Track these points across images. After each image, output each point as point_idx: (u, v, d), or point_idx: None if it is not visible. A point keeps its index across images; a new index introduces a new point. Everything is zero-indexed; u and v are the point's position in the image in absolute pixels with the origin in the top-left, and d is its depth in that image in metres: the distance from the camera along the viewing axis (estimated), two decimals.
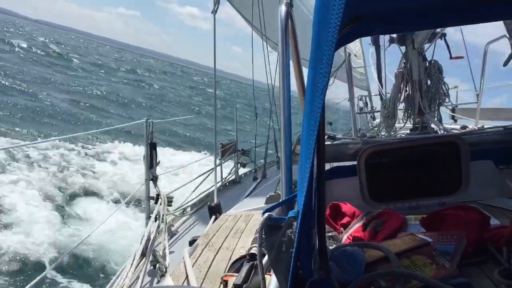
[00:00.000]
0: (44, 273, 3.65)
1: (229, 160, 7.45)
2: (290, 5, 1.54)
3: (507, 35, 4.50)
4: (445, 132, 4.78)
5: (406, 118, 5.31)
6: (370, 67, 9.18)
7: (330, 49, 0.92)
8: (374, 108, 9.69)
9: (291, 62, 1.59)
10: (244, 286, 1.80)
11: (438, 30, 5.03)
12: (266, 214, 1.37)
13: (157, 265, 3.25)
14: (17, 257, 6.77)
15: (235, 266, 2.19)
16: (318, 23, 0.99)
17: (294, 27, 1.58)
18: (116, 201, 10.05)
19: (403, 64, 5.14)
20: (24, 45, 43.79)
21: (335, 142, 3.93)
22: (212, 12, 5.49)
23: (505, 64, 4.46)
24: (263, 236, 1.40)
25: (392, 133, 5.35)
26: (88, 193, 10.49)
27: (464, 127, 5.38)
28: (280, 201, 1.46)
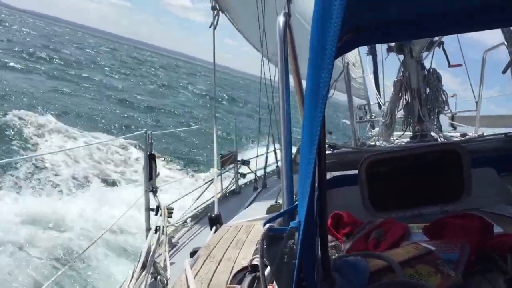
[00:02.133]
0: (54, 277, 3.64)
1: (229, 171, 7.45)
2: (288, 16, 1.55)
3: (505, 43, 4.52)
4: (445, 140, 4.78)
5: (405, 126, 5.32)
6: (368, 76, 9.22)
7: (330, 58, 0.91)
8: (373, 117, 9.71)
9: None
10: None
11: (436, 38, 5.06)
12: (267, 225, 1.36)
13: (158, 277, 3.23)
14: None
15: (237, 277, 2.17)
16: (316, 33, 0.99)
17: (292, 38, 1.58)
18: None
19: (401, 73, 5.16)
20: None
21: (335, 151, 3.92)
22: (210, 27, 5.52)
23: (504, 71, 4.47)
24: (264, 247, 1.39)
25: (392, 142, 5.35)
26: None
27: (464, 134, 5.38)
28: (281, 211, 1.44)
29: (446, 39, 5.44)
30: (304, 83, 1.36)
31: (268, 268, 1.66)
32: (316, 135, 0.98)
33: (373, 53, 7.91)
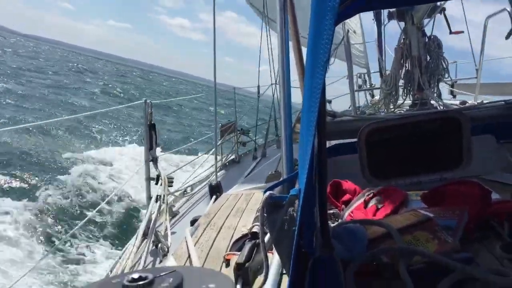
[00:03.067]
0: (57, 243, 3.69)
1: (229, 140, 7.45)
2: None
3: (507, 8, 4.45)
4: (445, 108, 4.76)
5: (405, 95, 5.29)
6: (369, 44, 9.11)
7: (331, 24, 0.90)
8: (373, 85, 9.64)
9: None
10: (246, 264, 1.80)
11: (438, 4, 4.98)
12: (268, 193, 1.37)
13: (159, 245, 3.27)
14: None
15: (237, 245, 2.20)
16: None
17: (293, 4, 1.55)
18: None
19: (402, 40, 5.10)
20: None
21: (335, 120, 3.91)
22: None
23: (507, 37, 4.42)
24: (264, 214, 1.40)
25: (391, 110, 5.33)
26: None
27: (463, 102, 5.37)
28: (281, 179, 1.45)
29: (448, 4, 5.36)
30: (304, 50, 1.34)
31: (268, 235, 1.68)
32: (316, 103, 0.97)
33: (378, 19, 7.80)
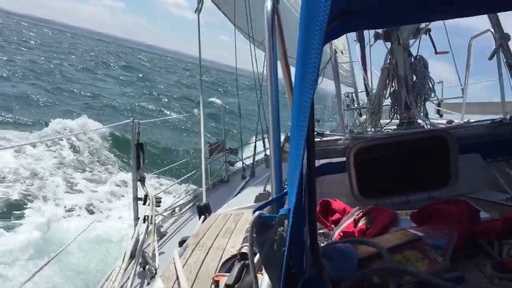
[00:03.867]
0: (30, 276, 3.58)
1: (217, 160, 7.43)
2: (276, 1, 1.52)
3: (491, 29, 4.54)
4: (432, 127, 4.81)
5: (392, 114, 5.33)
6: (356, 63, 9.23)
7: (319, 43, 0.90)
8: (361, 104, 9.73)
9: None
10: (235, 286, 1.78)
11: (423, 25, 5.07)
12: (257, 213, 1.35)
13: (147, 267, 3.22)
14: None
15: (226, 265, 2.17)
16: (305, 17, 0.98)
17: (280, 24, 1.56)
18: None
19: (388, 60, 5.16)
20: None
21: (324, 139, 3.92)
22: (195, 12, 5.44)
23: (491, 57, 4.50)
24: (254, 235, 1.38)
25: (379, 129, 5.37)
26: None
27: (450, 121, 5.42)
28: (270, 199, 1.44)
29: (433, 26, 5.46)
30: (292, 70, 1.34)
31: (257, 256, 1.66)
32: (305, 122, 0.97)
33: (361, 40, 7.91)
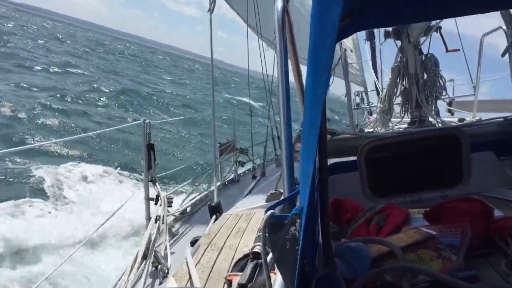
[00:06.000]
0: (47, 275, 3.62)
1: (228, 159, 7.44)
2: (286, 1, 1.52)
3: (503, 27, 4.50)
4: (443, 125, 4.77)
5: (403, 112, 5.30)
6: (366, 62, 9.19)
7: (331, 41, 0.90)
8: (371, 103, 9.69)
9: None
10: (249, 285, 1.78)
11: (433, 23, 5.03)
12: (269, 212, 1.36)
13: (159, 267, 3.24)
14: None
15: (239, 265, 2.18)
16: (316, 16, 0.97)
17: (291, 23, 1.56)
18: None
19: (399, 58, 5.14)
20: None
21: (335, 138, 3.91)
22: (208, 11, 5.43)
23: (503, 54, 4.46)
24: (266, 234, 1.38)
25: (390, 128, 5.35)
26: None
27: (461, 119, 5.39)
28: (281, 198, 1.44)
29: (444, 24, 5.42)
30: (303, 69, 1.34)
31: (270, 255, 1.66)
32: (317, 121, 0.97)
33: (371, 38, 7.88)
